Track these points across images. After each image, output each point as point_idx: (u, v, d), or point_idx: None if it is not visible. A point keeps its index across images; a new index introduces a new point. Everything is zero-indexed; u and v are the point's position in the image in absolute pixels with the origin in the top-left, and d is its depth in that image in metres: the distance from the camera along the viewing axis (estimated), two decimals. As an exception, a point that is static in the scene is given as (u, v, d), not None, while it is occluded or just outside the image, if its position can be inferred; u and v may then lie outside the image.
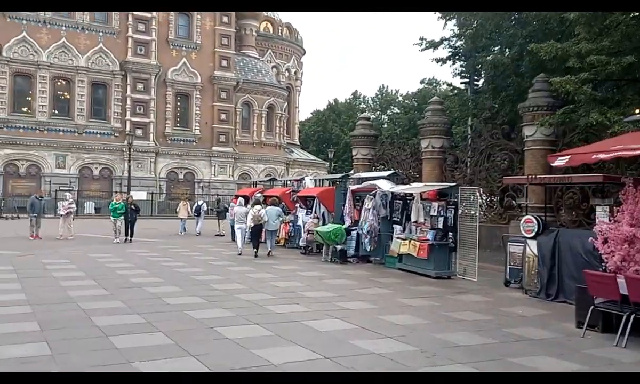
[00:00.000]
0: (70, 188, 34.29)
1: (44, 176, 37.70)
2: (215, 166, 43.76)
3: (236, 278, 10.87)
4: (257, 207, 15.89)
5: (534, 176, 10.97)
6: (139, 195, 34.74)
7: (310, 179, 17.38)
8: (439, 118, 18.37)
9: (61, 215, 18.95)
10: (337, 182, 17.45)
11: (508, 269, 10.62)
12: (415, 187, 13.15)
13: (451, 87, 24.40)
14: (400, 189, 13.48)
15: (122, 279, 10.06)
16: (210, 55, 43.49)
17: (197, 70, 42.80)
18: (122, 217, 17.94)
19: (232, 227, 19.07)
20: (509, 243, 10.74)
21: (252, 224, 15.38)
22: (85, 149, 39.17)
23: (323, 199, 15.37)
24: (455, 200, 12.04)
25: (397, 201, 13.45)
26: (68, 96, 39.01)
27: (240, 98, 45.23)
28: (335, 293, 9.44)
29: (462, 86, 22.88)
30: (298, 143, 55.99)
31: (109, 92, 40.27)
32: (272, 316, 7.40)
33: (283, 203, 17.23)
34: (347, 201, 14.55)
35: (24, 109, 37.83)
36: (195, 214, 22.86)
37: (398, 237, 12.76)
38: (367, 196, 13.80)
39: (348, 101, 73.12)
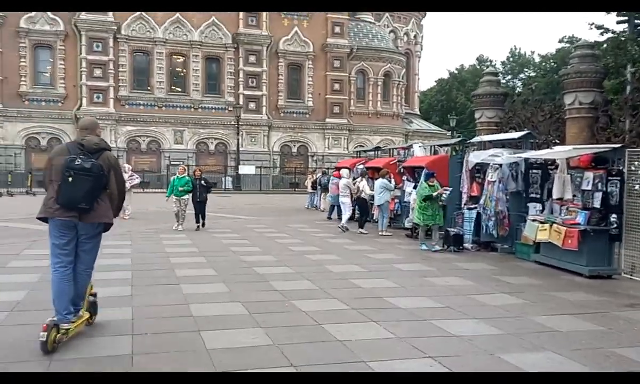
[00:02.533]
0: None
1: (164, 151, 38.30)
2: (329, 138, 41.83)
3: (305, 270, 8.42)
4: (358, 179, 13.57)
5: None
6: (247, 169, 33.86)
7: (420, 147, 14.36)
8: (589, 66, 14.36)
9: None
10: (456, 150, 14.29)
11: None
12: (559, 151, 9.66)
13: (602, 30, 19.62)
14: (539, 154, 10.09)
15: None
16: (323, 22, 41.27)
17: (309, 39, 40.88)
18: (188, 196, 13.19)
19: (333, 204, 16.83)
20: None
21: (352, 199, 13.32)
22: (201, 125, 39.15)
23: (434, 169, 12.35)
24: (621, 168, 8.49)
25: (534, 172, 10.11)
26: (183, 72, 39.10)
27: (354, 66, 42.64)
28: (439, 301, 6.59)
29: (619, 28, 18.16)
30: (418, 113, 52.20)
31: (222, 66, 39.77)
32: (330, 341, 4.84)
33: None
34: (463, 171, 11.41)
35: (143, 86, 38.53)
36: (313, 189, 22.01)
37: (535, 220, 9.45)
38: (491, 164, 10.58)
39: (474, 66, 67.34)
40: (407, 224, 13.06)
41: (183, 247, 10.53)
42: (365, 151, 18.32)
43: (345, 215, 14.05)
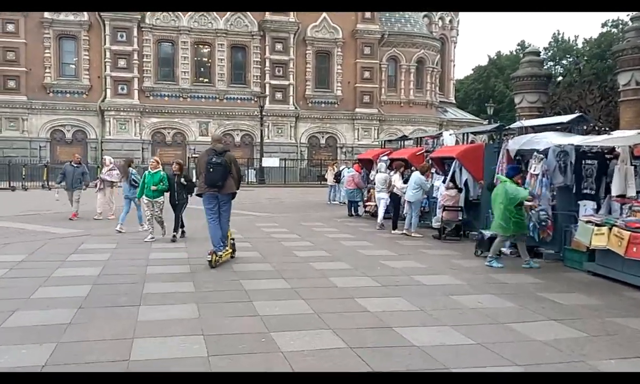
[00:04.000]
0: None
1: (189, 144, 37.33)
2: (358, 129, 40.14)
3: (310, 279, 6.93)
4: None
5: None
6: (271, 162, 32.48)
7: (451, 135, 12.62)
8: (651, 39, 12.41)
9: (99, 185, 13.77)
10: (493, 138, 12.53)
11: None
12: (621, 137, 7.85)
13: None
14: (594, 140, 8.31)
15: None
16: (352, 7, 39.46)
17: (338, 25, 39.17)
18: (164, 197, 10.39)
19: (350, 200, 15.32)
20: None
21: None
22: (226, 116, 38.03)
23: (466, 160, 10.70)
24: None
25: (588, 162, 8.35)
26: (209, 62, 38.00)
27: (385, 53, 40.73)
28: (467, 333, 4.99)
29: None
30: (454, 101, 49.86)
31: (248, 55, 38.50)
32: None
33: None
34: (499, 162, 9.68)
35: (168, 77, 37.62)
36: (335, 181, 20.38)
37: (589, 221, 7.71)
38: (535, 154, 8.85)
39: (513, 53, 64.30)
40: (435, 224, 11.42)
41: (170, 252, 9.19)
42: (390, 141, 16.63)
43: (381, 211, 12.57)
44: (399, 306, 5.92)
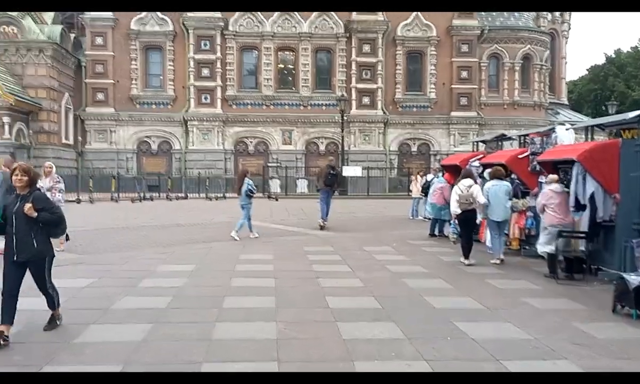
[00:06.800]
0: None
1: (271, 153, 35.69)
2: (454, 134, 36.32)
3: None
4: (467, 181, 8.91)
5: None
6: (352, 171, 29.67)
7: (567, 130, 9.10)
8: None
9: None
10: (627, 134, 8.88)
11: None
12: None
13: None
14: None
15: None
16: (448, 2, 35.85)
17: (432, 22, 35.76)
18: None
19: (435, 218, 12.23)
20: None
21: (459, 210, 8.94)
22: (310, 123, 35.92)
23: (592, 164, 7.28)
24: None
25: None
26: (293, 69, 36.15)
27: (485, 50, 36.66)
28: None
29: None
30: (566, 103, 44.29)
31: (334, 58, 36.19)
32: None
33: (514, 175, 9.53)
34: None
35: (251, 85, 36.27)
36: (423, 195, 17.09)
37: None
38: None
39: (636, 48, 56.77)
40: (543, 250, 8.06)
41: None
42: (484, 142, 13.19)
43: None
44: None
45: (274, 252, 9.96)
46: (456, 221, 9.63)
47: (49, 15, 33.56)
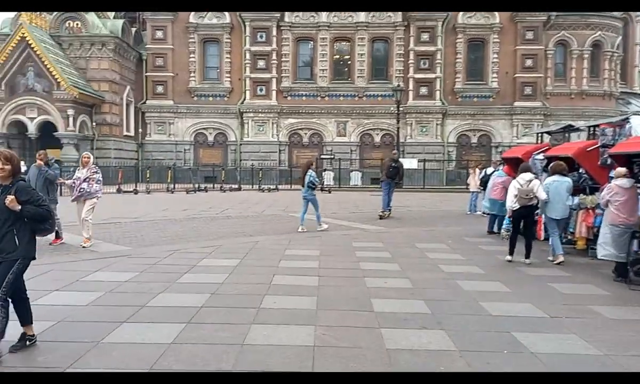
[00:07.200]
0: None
1: (326, 144, 35.39)
2: (517, 125, 34.76)
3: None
4: (527, 175, 8.29)
5: None
6: (408, 163, 28.83)
7: (645, 118, 8.22)
8: None
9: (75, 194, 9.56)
10: None
11: None
12: None
13: None
14: None
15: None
16: (512, -14, 34.25)
17: (495, 8, 34.24)
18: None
19: (494, 214, 11.53)
20: None
21: (517, 205, 8.36)
22: (365, 114, 35.31)
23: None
24: None
25: None
26: (349, 60, 35.62)
27: (552, 37, 34.80)
28: None
29: None
30: (639, 92, 41.50)
31: (391, 48, 35.36)
32: None
33: (582, 170, 8.72)
34: None
35: (306, 76, 36.03)
36: (482, 188, 16.26)
37: None
38: None
39: None
40: (603, 253, 7.31)
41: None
42: (548, 133, 12.22)
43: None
44: None
45: (321, 248, 9.61)
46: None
47: (111, 10, 34.53)
